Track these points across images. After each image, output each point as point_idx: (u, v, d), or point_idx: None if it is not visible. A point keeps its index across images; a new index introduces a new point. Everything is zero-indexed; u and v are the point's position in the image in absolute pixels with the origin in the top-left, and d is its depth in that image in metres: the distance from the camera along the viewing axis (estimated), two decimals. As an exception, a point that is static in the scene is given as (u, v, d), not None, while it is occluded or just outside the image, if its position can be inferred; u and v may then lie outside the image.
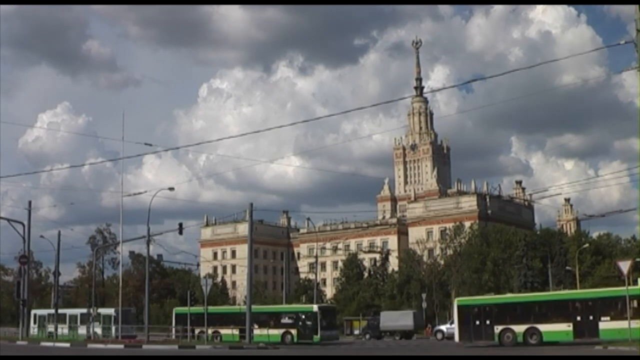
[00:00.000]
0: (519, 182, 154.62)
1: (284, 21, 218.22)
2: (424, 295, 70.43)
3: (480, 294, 54.47)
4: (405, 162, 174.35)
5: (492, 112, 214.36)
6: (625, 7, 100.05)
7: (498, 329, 37.10)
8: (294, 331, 46.73)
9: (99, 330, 54.76)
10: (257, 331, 46.86)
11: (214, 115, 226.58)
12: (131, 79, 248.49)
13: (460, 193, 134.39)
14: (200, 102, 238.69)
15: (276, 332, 47.25)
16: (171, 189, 47.70)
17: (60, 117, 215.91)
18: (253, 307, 47.64)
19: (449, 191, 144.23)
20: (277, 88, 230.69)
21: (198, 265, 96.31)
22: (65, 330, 55.46)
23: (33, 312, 63.67)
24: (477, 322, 38.16)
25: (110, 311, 55.83)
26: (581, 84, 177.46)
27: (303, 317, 47.39)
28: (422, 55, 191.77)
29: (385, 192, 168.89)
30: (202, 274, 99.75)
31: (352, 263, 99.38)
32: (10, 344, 43.11)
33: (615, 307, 34.07)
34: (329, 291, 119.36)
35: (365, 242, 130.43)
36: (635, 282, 34.43)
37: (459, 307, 39.95)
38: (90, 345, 43.05)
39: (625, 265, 33.31)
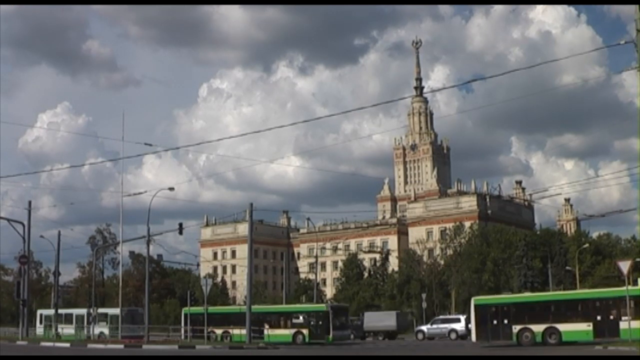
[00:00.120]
0: (519, 182, 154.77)
1: (284, 21, 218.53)
2: (424, 295, 70.48)
3: (481, 294, 54.30)
4: (405, 162, 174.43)
5: (492, 112, 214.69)
6: (625, 7, 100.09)
7: (516, 328, 36.49)
8: (305, 331, 46.00)
9: (106, 331, 54.74)
10: (268, 331, 46.65)
11: (214, 115, 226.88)
12: (131, 79, 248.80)
13: (460, 193, 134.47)
14: (200, 102, 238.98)
15: (287, 332, 46.68)
16: (171, 189, 47.60)
17: (60, 117, 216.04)
18: (264, 307, 47.52)
19: (449, 191, 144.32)
20: (277, 88, 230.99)
21: (198, 265, 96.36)
22: (72, 330, 55.29)
23: (39, 312, 63.63)
24: (495, 322, 37.51)
25: (118, 311, 55.71)
26: (581, 84, 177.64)
27: (315, 316, 46.73)
28: (422, 55, 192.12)
29: (385, 192, 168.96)
30: (202, 274, 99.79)
31: (352, 263, 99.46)
32: (10, 344, 43.08)
33: (637, 307, 33.46)
34: (329, 291, 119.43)
35: (365, 242, 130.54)
36: (635, 282, 34.41)
37: (475, 306, 39.04)
38: (90, 345, 43.03)
39: (625, 265, 33.29)
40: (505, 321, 37.25)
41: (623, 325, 33.03)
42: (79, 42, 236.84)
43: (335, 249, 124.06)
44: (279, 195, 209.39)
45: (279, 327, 47.61)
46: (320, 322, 45.78)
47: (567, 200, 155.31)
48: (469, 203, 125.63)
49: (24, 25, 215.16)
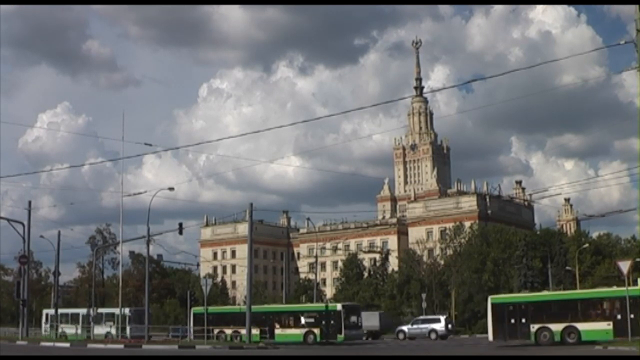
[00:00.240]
0: (519, 182, 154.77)
1: (284, 21, 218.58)
2: (423, 295, 70.51)
3: (481, 294, 54.26)
4: (405, 162, 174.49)
5: (492, 112, 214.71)
6: (625, 7, 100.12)
7: (534, 327, 36.17)
8: (316, 330, 45.56)
9: (113, 331, 54.74)
10: (278, 331, 46.63)
11: (214, 115, 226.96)
12: (131, 79, 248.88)
13: (460, 193, 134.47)
14: (200, 102, 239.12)
15: (298, 332, 46.39)
16: (171, 189, 47.67)
17: (60, 117, 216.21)
18: (275, 306, 47.31)
19: (449, 191, 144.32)
20: (277, 88, 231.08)
21: (198, 265, 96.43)
22: (79, 330, 55.31)
23: (45, 311, 63.66)
24: (512, 321, 37.12)
25: (126, 311, 55.73)
26: (581, 84, 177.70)
27: (326, 316, 46.13)
28: (422, 55, 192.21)
29: (385, 192, 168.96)
30: (202, 274, 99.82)
31: (352, 263, 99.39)
32: (10, 343, 43.10)
33: None
34: (329, 291, 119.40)
35: (365, 242, 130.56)
36: (635, 282, 34.42)
37: (492, 305, 38.56)
38: (90, 345, 43.04)
39: (625, 265, 33.30)
40: (523, 320, 36.85)
41: None
42: (79, 42, 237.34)
43: (335, 249, 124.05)
44: (279, 195, 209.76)
45: (289, 326, 47.43)
46: (332, 322, 45.21)
47: (567, 200, 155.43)
48: (469, 203, 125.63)
49: (24, 25, 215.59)
